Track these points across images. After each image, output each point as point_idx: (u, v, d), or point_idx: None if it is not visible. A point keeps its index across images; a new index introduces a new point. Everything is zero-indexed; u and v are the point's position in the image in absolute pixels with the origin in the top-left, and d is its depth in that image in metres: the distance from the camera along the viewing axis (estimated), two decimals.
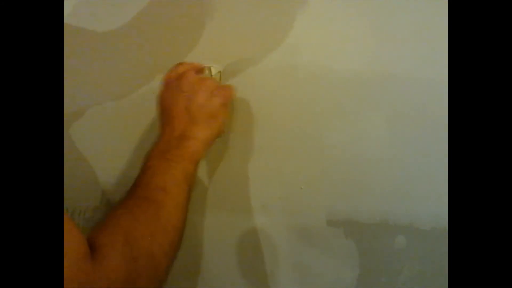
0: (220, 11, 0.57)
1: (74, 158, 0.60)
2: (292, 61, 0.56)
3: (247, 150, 0.57)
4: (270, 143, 0.57)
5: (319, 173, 0.55)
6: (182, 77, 0.51)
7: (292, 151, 0.56)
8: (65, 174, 0.56)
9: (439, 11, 0.51)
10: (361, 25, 0.54)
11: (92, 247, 0.37)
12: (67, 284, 0.32)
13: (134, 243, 0.39)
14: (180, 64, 0.54)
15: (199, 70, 0.54)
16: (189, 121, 0.49)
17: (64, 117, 0.58)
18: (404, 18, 0.53)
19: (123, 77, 0.59)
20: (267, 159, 0.57)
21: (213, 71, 0.57)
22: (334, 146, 0.55)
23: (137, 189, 0.45)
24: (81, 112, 0.60)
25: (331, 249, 0.55)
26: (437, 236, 0.52)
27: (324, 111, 0.55)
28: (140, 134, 0.60)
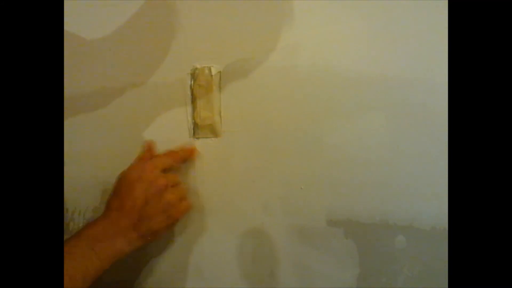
0: (220, 11, 0.57)
1: (74, 158, 0.60)
2: (292, 61, 0.56)
3: (247, 150, 0.57)
4: (270, 143, 0.57)
5: (319, 173, 0.55)
6: (160, 183, 0.52)
7: (292, 151, 0.56)
8: (65, 174, 0.56)
9: (439, 11, 0.51)
10: (361, 25, 0.54)
11: None
12: None
13: None
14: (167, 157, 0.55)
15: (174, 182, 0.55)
16: (134, 225, 0.50)
17: (64, 117, 0.58)
18: (404, 18, 0.53)
19: (123, 77, 0.59)
20: (267, 159, 0.57)
21: (213, 71, 0.57)
22: (334, 146, 0.55)
23: None
24: (81, 112, 0.60)
25: (331, 249, 0.55)
26: (437, 236, 0.52)
27: (324, 111, 0.55)
28: (141, 134, 0.60)
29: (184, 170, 0.58)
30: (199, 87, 0.58)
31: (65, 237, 0.59)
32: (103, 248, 0.48)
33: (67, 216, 0.60)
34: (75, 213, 0.61)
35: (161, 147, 0.58)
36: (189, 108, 0.58)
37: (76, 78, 0.60)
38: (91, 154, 0.60)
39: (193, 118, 0.58)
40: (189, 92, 0.58)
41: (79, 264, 0.46)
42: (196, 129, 0.58)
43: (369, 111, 0.54)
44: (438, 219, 0.52)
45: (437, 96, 0.52)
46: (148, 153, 0.57)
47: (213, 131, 0.58)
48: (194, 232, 0.59)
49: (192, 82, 0.58)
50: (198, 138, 0.58)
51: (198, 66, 0.58)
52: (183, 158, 0.57)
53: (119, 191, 0.52)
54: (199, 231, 0.58)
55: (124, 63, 0.59)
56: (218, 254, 0.58)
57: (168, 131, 0.58)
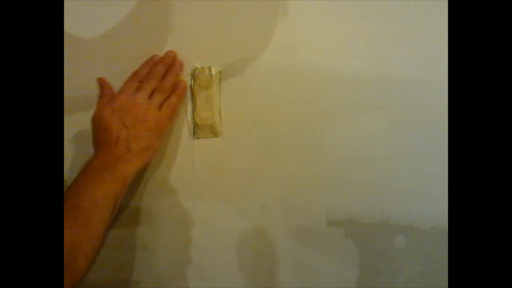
0: (220, 11, 0.57)
1: (74, 158, 0.60)
2: (292, 61, 0.56)
3: (247, 150, 0.57)
4: (270, 143, 0.57)
5: (319, 173, 0.55)
6: (129, 106, 0.55)
7: (292, 151, 0.56)
8: (65, 174, 0.56)
9: (439, 11, 0.51)
10: (361, 25, 0.54)
11: None
12: None
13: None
14: (135, 86, 0.56)
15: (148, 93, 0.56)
16: (126, 149, 0.53)
17: (64, 117, 0.58)
18: (404, 18, 0.53)
19: (123, 77, 0.59)
20: (267, 159, 0.57)
21: (213, 71, 0.57)
22: (334, 146, 0.55)
23: (69, 198, 0.48)
24: (81, 112, 0.60)
25: (331, 249, 0.55)
26: (437, 236, 0.52)
27: (324, 111, 0.55)
28: None
29: (184, 171, 0.58)
30: (199, 87, 0.58)
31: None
32: (110, 173, 0.51)
33: None
34: None
35: (161, 147, 0.58)
36: (189, 108, 0.58)
37: (76, 78, 0.60)
38: (91, 154, 0.60)
39: (193, 118, 0.58)
40: (189, 92, 0.58)
41: (95, 190, 0.49)
42: (196, 129, 0.58)
43: (369, 111, 0.54)
44: (438, 219, 0.52)
45: (437, 96, 0.52)
46: (107, 88, 0.58)
47: (213, 131, 0.58)
48: (194, 232, 0.59)
49: (192, 82, 0.58)
50: (198, 138, 0.58)
51: (198, 66, 0.58)
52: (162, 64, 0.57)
53: (99, 129, 0.54)
54: (199, 231, 0.58)
55: (124, 63, 0.59)
56: (218, 254, 0.58)
57: (168, 131, 0.58)
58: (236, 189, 0.57)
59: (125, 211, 0.59)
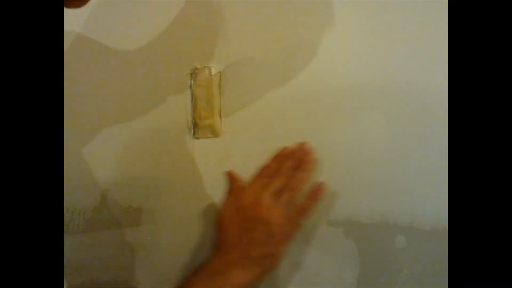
0: (220, 11, 0.57)
1: (74, 158, 0.60)
2: (292, 61, 0.56)
3: (247, 150, 0.57)
4: (270, 143, 0.57)
5: (319, 173, 0.55)
6: (254, 205, 0.50)
7: None
8: (65, 174, 0.56)
9: (439, 12, 0.51)
10: (361, 25, 0.54)
11: None
12: None
13: None
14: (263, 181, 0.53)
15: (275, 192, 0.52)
16: (244, 254, 0.49)
17: (64, 116, 0.58)
18: (404, 18, 0.53)
19: (122, 77, 0.59)
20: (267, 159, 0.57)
21: (213, 71, 0.57)
22: (334, 146, 0.55)
23: None
24: (81, 112, 0.60)
25: (331, 249, 0.55)
26: (437, 236, 0.52)
27: (324, 111, 0.55)
28: (140, 134, 0.60)
29: (184, 171, 0.58)
30: (199, 87, 0.58)
31: (65, 237, 0.59)
32: (222, 280, 0.47)
33: (67, 216, 0.60)
34: (75, 213, 0.61)
35: (161, 147, 0.58)
36: (189, 108, 0.58)
37: (76, 78, 0.60)
38: (91, 154, 0.60)
39: (193, 118, 0.58)
40: (189, 92, 0.58)
41: None
42: (196, 129, 0.58)
43: (369, 112, 0.54)
44: (438, 219, 0.53)
45: (437, 96, 0.52)
46: (234, 184, 0.55)
47: (213, 131, 0.58)
48: (194, 232, 0.59)
49: (192, 82, 0.58)
50: (198, 138, 0.58)
51: (198, 66, 0.58)
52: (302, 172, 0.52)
53: (219, 228, 0.51)
54: (199, 231, 0.58)
55: (124, 63, 0.59)
56: None
57: (168, 131, 0.58)
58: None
59: (125, 211, 0.59)
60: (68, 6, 0.39)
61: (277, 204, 0.51)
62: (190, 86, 0.58)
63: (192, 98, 0.58)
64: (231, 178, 0.55)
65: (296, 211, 0.51)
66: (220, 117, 0.58)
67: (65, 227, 0.60)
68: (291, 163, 0.53)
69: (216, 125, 0.58)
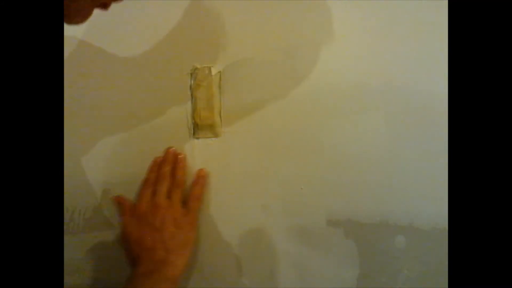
0: (220, 11, 0.57)
1: (74, 158, 0.60)
2: (292, 61, 0.56)
3: (247, 150, 0.57)
4: (270, 143, 0.57)
5: (319, 173, 0.55)
6: (153, 210, 0.55)
7: (292, 151, 0.56)
8: (65, 174, 0.56)
9: (439, 12, 0.51)
10: (361, 25, 0.54)
11: None
12: None
13: None
14: (144, 192, 0.57)
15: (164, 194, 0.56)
16: (166, 251, 0.52)
17: (65, 117, 0.58)
18: (404, 19, 0.53)
19: (123, 77, 0.59)
20: (267, 159, 0.57)
21: (213, 71, 0.57)
22: (334, 146, 0.55)
23: None
24: (81, 112, 0.60)
25: (331, 249, 0.55)
26: (437, 236, 0.52)
27: (324, 111, 0.55)
28: (140, 134, 0.60)
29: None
30: (199, 87, 0.58)
31: (65, 237, 0.59)
32: (158, 275, 0.50)
33: (67, 216, 0.60)
34: (75, 213, 0.61)
35: (161, 147, 0.58)
36: (189, 108, 0.58)
37: (76, 78, 0.60)
38: (91, 154, 0.60)
39: (193, 118, 0.58)
40: (189, 92, 0.58)
41: None
42: (196, 129, 0.58)
43: (369, 112, 0.54)
44: (438, 219, 0.52)
45: (437, 96, 0.52)
46: (125, 203, 0.57)
47: (213, 131, 0.58)
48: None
49: (192, 82, 0.58)
50: (198, 138, 0.58)
51: (198, 66, 0.58)
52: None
53: (131, 243, 0.54)
54: (198, 231, 0.58)
55: (124, 63, 0.59)
56: (218, 253, 0.58)
57: (168, 131, 0.58)
58: (236, 189, 0.57)
59: None
60: (70, 23, 0.39)
61: (172, 202, 0.55)
62: (190, 86, 0.58)
63: (192, 98, 0.58)
64: (119, 199, 0.58)
65: (192, 199, 0.56)
66: (220, 117, 0.58)
67: (65, 227, 0.60)
68: (168, 167, 0.57)
69: (216, 125, 0.58)
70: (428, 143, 0.53)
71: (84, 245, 0.60)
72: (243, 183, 0.57)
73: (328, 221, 0.55)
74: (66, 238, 0.59)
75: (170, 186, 0.56)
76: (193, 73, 0.58)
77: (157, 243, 0.52)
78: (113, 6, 0.58)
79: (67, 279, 0.59)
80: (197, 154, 0.58)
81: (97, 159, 0.60)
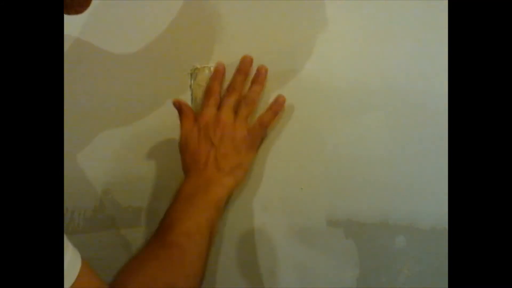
0: (220, 11, 0.57)
1: (74, 158, 0.60)
2: (291, 61, 0.56)
3: None
4: (270, 143, 0.57)
5: (319, 173, 0.55)
6: (215, 123, 0.52)
7: (292, 151, 0.56)
8: (65, 174, 0.56)
9: (439, 11, 0.50)
10: (361, 25, 0.54)
11: None
12: None
13: None
14: (211, 104, 0.54)
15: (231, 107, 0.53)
16: (217, 169, 0.51)
17: (64, 117, 0.58)
18: (404, 18, 0.53)
19: (123, 77, 0.59)
20: (267, 159, 0.57)
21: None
22: (334, 146, 0.55)
23: (162, 232, 0.47)
24: (81, 112, 0.60)
25: (331, 249, 0.55)
26: (437, 236, 0.52)
27: (324, 111, 0.55)
28: (141, 134, 0.60)
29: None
30: (199, 87, 0.58)
31: (66, 237, 0.59)
32: (201, 200, 0.49)
33: (67, 216, 0.60)
34: (75, 213, 0.61)
35: (161, 147, 0.58)
36: None
37: (76, 78, 0.60)
38: (91, 154, 0.60)
39: None
40: (189, 92, 0.58)
41: (188, 221, 0.47)
42: None
43: (369, 111, 0.54)
44: (438, 219, 0.52)
45: (437, 96, 0.52)
46: (186, 108, 0.54)
47: None
48: None
49: (192, 82, 0.58)
50: None
51: (198, 66, 0.58)
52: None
53: (187, 151, 0.52)
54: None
55: (124, 63, 0.59)
56: (218, 254, 0.58)
57: (168, 131, 0.58)
58: (236, 189, 0.57)
59: (125, 211, 0.59)
60: (69, 13, 0.39)
61: (236, 120, 0.52)
62: (190, 86, 0.58)
63: (192, 98, 0.58)
64: (181, 103, 0.55)
65: (258, 124, 0.53)
66: None
67: (65, 227, 0.60)
68: (241, 77, 0.53)
69: None
70: (428, 143, 0.53)
71: (84, 245, 0.60)
72: (243, 183, 0.57)
73: (328, 221, 0.55)
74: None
75: (239, 100, 0.53)
76: (193, 73, 0.58)
77: (210, 159, 0.50)
78: (113, 6, 0.59)
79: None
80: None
81: (97, 159, 0.60)
